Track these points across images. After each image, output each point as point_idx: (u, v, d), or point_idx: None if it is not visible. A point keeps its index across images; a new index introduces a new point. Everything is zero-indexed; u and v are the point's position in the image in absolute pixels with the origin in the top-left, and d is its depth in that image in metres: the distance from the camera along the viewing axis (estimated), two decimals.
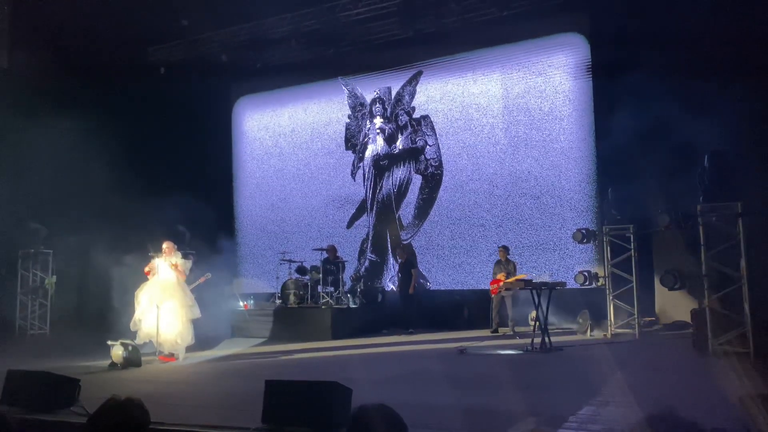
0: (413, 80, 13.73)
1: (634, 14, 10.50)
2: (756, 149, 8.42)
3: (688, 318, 9.14)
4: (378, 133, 14.12)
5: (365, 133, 14.28)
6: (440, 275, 13.06)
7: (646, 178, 10.83)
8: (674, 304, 10.28)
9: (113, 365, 8.02)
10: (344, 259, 12.55)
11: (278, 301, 12.37)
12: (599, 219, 11.21)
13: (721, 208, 7.78)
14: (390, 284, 13.45)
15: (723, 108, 8.70)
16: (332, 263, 12.18)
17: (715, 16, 9.29)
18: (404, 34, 13.03)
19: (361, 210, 14.17)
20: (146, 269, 8.74)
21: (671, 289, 9.45)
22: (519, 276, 10.15)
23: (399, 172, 13.83)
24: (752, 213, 7.59)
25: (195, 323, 8.92)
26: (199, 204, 12.76)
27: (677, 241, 9.65)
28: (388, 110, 14.03)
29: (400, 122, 13.87)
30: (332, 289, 11.99)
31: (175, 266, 8.71)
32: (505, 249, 11.29)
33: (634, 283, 9.77)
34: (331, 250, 12.37)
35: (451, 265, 12.95)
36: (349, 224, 14.24)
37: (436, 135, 13.41)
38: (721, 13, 9.30)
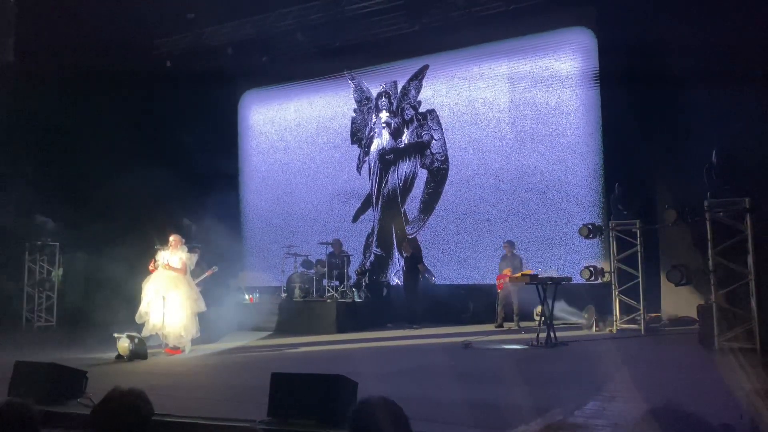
0: (419, 74, 13.70)
1: (641, 9, 10.43)
2: (764, 144, 8.37)
3: (694, 314, 9.12)
4: (384, 128, 14.10)
5: (371, 127, 14.26)
6: (445, 270, 13.05)
7: (653, 173, 10.82)
8: (680, 300, 10.25)
9: (120, 357, 8.06)
10: (349, 253, 12.58)
11: (284, 295, 12.41)
12: (605, 214, 11.17)
13: (729, 204, 7.74)
14: (395, 278, 13.47)
15: (731, 103, 8.65)
16: (337, 257, 12.21)
17: (722, 10, 9.23)
18: (410, 27, 12.98)
19: (366, 204, 14.17)
20: (150, 267, 8.72)
21: (677, 284, 9.41)
22: (525, 272, 10.13)
23: (405, 167, 13.81)
24: (760, 209, 7.55)
25: (201, 316, 8.95)
26: (205, 197, 12.82)
27: (684, 237, 9.60)
28: (394, 104, 14.01)
29: (405, 116, 13.84)
30: (337, 282, 12.02)
31: (168, 266, 8.67)
32: (511, 244, 11.29)
33: (640, 279, 9.75)
34: (336, 244, 12.40)
35: (456, 260, 12.94)
36: (355, 218, 14.24)
37: (441, 129, 13.38)
38: (728, 6, 9.24)
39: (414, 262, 12.02)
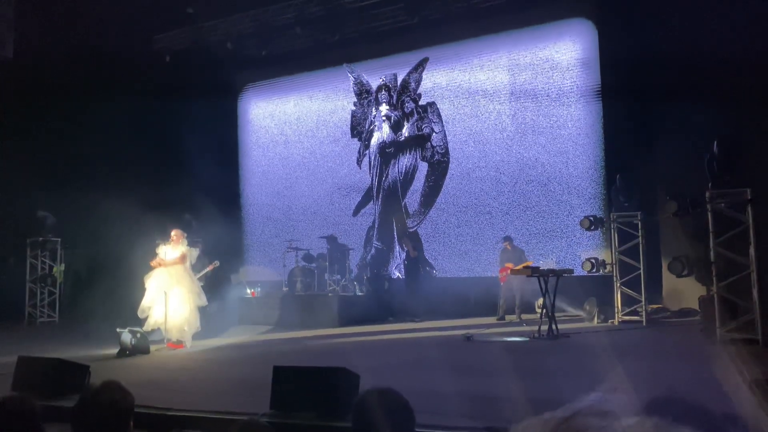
0: (419, 67, 13.65)
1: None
2: (765, 134, 8.34)
3: (695, 305, 9.13)
4: (384, 121, 14.07)
5: (371, 121, 14.23)
6: (446, 263, 13.05)
7: (654, 164, 10.79)
8: (682, 291, 10.26)
9: (122, 352, 8.07)
10: (350, 247, 12.59)
11: (285, 289, 12.43)
12: (607, 206, 11.15)
13: (730, 195, 7.73)
14: (396, 272, 13.47)
15: (732, 92, 8.61)
16: (338, 251, 12.26)
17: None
18: (410, 20, 12.93)
19: (367, 198, 14.15)
20: (153, 263, 8.72)
21: (679, 276, 9.42)
22: (527, 263, 10.12)
23: (405, 160, 13.79)
24: (761, 199, 7.54)
25: (202, 310, 8.97)
26: (206, 192, 12.82)
27: (685, 228, 9.60)
28: (394, 97, 13.97)
29: (406, 109, 13.81)
30: (339, 276, 12.03)
31: (163, 261, 8.68)
32: (509, 239, 11.26)
33: (642, 270, 9.74)
34: (331, 239, 12.45)
35: (457, 253, 12.93)
36: (355, 212, 14.23)
37: (442, 122, 13.35)
38: None
39: (414, 258, 12.04)
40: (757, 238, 7.44)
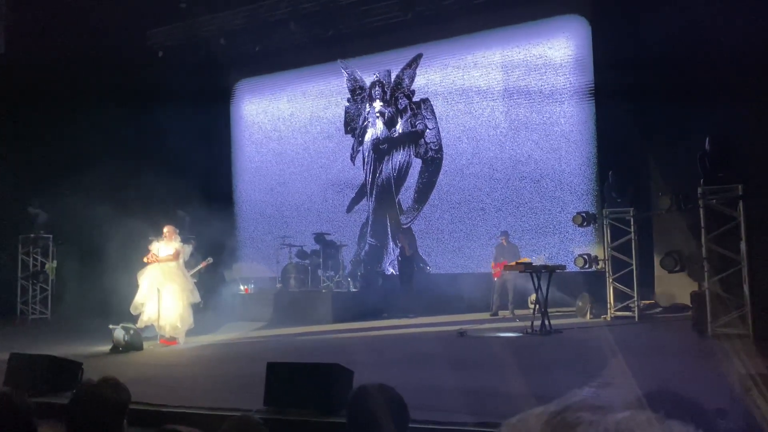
0: (413, 63, 13.64)
1: None
2: (757, 131, 8.39)
3: (687, 300, 9.17)
4: (377, 117, 14.05)
5: (365, 117, 14.21)
6: (440, 259, 13.07)
7: (647, 160, 10.84)
8: (674, 287, 10.31)
9: (115, 349, 8.05)
10: (343, 243, 12.59)
11: (279, 285, 12.41)
12: (599, 202, 11.19)
13: (722, 191, 7.78)
14: (390, 268, 13.48)
15: (725, 89, 8.65)
16: (331, 247, 12.25)
17: None
18: (404, 16, 12.90)
19: (360, 194, 14.14)
20: (146, 259, 8.70)
21: (671, 271, 9.47)
22: (522, 259, 10.15)
23: (399, 156, 13.78)
24: (753, 195, 7.58)
25: (196, 307, 8.96)
26: (198, 188, 12.78)
27: (677, 224, 9.64)
28: (388, 93, 13.95)
29: (399, 106, 13.80)
30: (332, 273, 12.04)
31: (157, 257, 8.67)
32: (506, 234, 11.30)
33: (634, 266, 9.78)
34: (319, 238, 12.44)
35: (450, 249, 12.95)
36: (349, 208, 14.22)
37: (435, 118, 13.35)
38: None
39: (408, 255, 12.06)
40: (749, 233, 7.49)
